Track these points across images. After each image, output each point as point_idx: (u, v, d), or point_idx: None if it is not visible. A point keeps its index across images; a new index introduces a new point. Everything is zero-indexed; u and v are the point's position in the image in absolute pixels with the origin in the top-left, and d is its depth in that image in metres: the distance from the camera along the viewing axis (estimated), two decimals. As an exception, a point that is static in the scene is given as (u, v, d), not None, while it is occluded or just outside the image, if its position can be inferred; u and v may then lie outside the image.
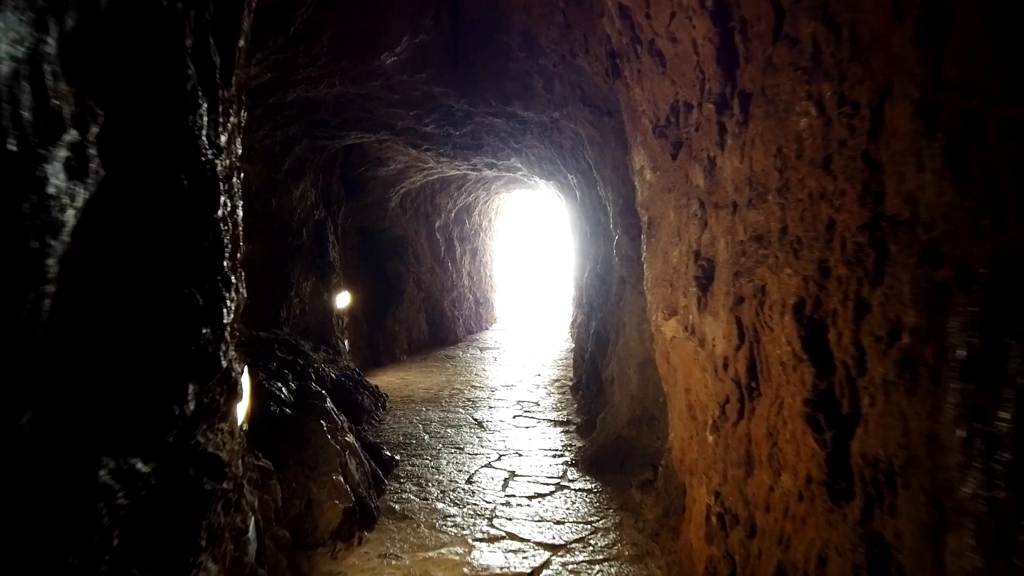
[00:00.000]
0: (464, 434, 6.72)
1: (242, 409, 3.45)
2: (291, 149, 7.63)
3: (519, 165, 9.13)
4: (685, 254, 3.53)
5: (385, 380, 9.55)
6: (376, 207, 10.55)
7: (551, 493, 5.05)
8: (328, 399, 4.93)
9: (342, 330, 9.33)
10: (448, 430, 6.87)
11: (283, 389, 4.59)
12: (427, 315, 12.26)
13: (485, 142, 8.17)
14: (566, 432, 6.82)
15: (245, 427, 3.70)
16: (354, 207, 10.00)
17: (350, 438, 4.59)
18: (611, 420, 5.96)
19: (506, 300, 17.36)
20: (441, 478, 5.31)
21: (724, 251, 3.05)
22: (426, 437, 6.60)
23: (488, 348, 12.34)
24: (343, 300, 9.30)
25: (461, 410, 7.79)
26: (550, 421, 7.27)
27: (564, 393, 8.66)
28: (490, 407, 7.96)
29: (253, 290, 7.77)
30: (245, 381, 3.51)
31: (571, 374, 9.82)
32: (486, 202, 14.39)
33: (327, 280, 8.88)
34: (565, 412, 7.65)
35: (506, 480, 5.33)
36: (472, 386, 9.19)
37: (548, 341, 13.23)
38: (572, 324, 14.30)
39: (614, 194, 5.48)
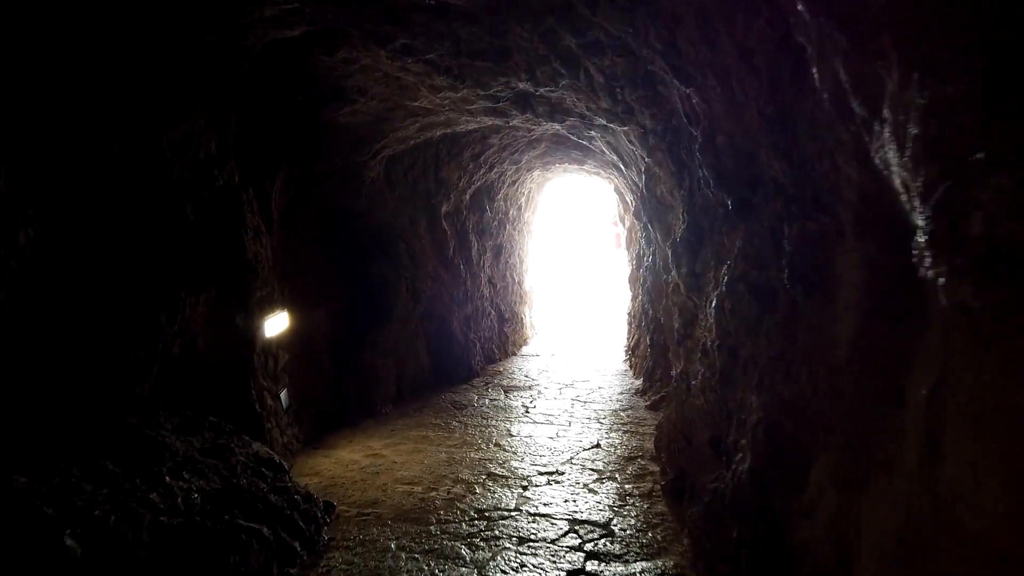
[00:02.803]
0: (462, 657, 2.95)
1: None
2: (147, 41, 3.95)
3: (572, 98, 5.33)
4: None
5: (344, 460, 5.81)
6: (345, 176, 6.84)
7: None
8: None
9: (274, 375, 5.63)
10: (429, 634, 3.10)
11: None
12: (428, 341, 8.50)
13: (513, 40, 4.41)
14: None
15: None
16: (306, 175, 6.30)
17: None
18: None
19: (540, 313, 13.52)
20: None
21: None
22: (371, 674, 2.84)
23: (516, 388, 8.53)
24: (276, 325, 5.61)
25: (464, 550, 4.01)
26: (647, 596, 3.46)
27: (651, 496, 4.83)
28: (519, 539, 4.17)
29: (67, 317, 3.96)
30: None
31: (648, 445, 6.01)
32: (514, 182, 10.60)
33: (243, 293, 5.20)
34: (671, 560, 3.83)
35: None
36: (490, 474, 5.41)
37: (600, 375, 9.37)
38: (629, 350, 10.49)
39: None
